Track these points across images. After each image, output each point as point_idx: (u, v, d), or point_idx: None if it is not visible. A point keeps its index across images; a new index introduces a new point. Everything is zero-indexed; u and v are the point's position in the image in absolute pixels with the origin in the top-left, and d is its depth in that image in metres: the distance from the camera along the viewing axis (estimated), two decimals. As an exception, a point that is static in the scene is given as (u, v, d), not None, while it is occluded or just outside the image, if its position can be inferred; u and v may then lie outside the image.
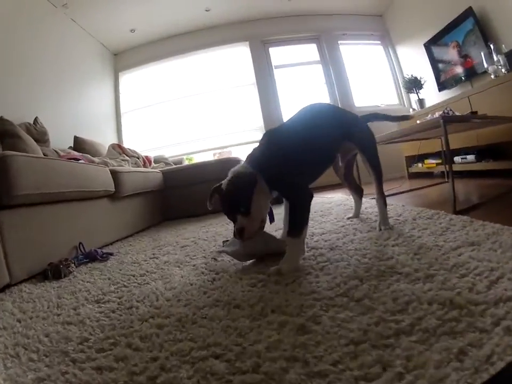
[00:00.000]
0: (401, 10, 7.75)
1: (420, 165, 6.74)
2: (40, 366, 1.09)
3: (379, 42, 8.43)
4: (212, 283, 1.62)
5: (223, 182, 1.96)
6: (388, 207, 2.34)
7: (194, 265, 2.04)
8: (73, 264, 2.57)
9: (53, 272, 2.41)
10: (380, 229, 2.18)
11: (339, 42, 8.23)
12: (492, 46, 5.09)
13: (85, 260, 2.78)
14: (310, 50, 8.34)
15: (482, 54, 5.35)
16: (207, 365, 0.93)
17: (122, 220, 3.96)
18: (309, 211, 1.89)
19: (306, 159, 2.02)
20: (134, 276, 2.06)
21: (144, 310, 1.42)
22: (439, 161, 6.04)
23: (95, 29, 7.30)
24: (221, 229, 3.35)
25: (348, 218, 2.75)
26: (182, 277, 1.84)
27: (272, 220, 2.14)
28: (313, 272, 1.53)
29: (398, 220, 2.39)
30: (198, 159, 7.55)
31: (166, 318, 1.28)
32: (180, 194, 5.44)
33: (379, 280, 1.30)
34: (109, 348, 1.14)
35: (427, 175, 6.79)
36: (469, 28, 5.72)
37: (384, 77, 8.41)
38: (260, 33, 8.13)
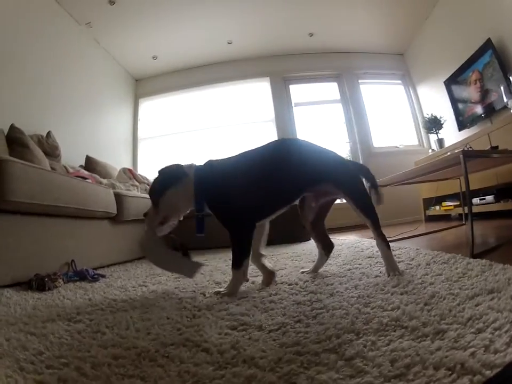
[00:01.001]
0: (421, 49, 7.77)
1: (437, 207, 6.62)
2: None
3: (400, 81, 8.47)
4: (190, 320, 1.49)
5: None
6: (393, 250, 2.21)
7: (180, 298, 1.93)
8: (61, 280, 2.56)
9: (37, 284, 2.40)
10: (389, 275, 1.96)
11: (359, 81, 8.29)
12: (511, 79, 5.01)
13: (74, 278, 2.76)
14: (330, 89, 8.41)
15: (501, 87, 5.27)
16: None
17: (122, 244, 3.93)
18: (248, 244, 1.91)
19: (255, 194, 1.97)
20: (114, 301, 1.98)
21: (109, 337, 1.32)
22: (457, 203, 5.97)
23: (118, 52, 7.50)
24: (221, 264, 3.26)
25: (303, 272, 2.37)
26: (162, 309, 1.73)
27: (199, 231, 2.04)
28: (304, 319, 1.32)
29: (410, 264, 2.20)
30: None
31: (126, 350, 1.17)
32: (184, 226, 5.28)
33: (379, 335, 1.09)
34: (58, 366, 1.07)
35: (444, 217, 6.72)
36: (487, 60, 5.68)
37: (404, 116, 8.41)
38: (281, 70, 8.26)
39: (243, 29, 7.34)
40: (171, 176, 2.04)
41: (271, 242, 4.61)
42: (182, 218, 2.24)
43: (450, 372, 0.81)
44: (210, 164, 2.13)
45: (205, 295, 1.98)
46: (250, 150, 2.16)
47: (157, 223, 2.04)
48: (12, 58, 4.74)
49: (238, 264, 1.89)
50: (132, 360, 1.09)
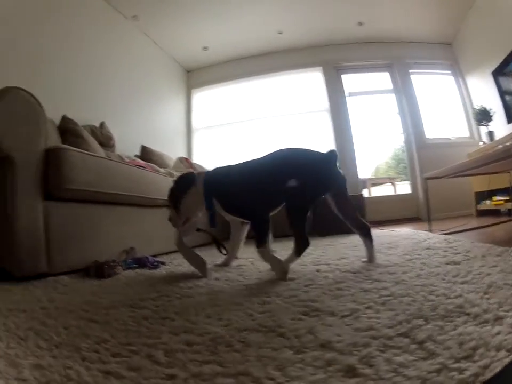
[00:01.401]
0: (467, 38, 7.46)
1: (487, 202, 6.38)
2: (45, 354, 1.01)
3: (449, 71, 8.14)
4: (260, 306, 1.43)
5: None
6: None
7: (245, 285, 1.88)
8: (120, 267, 2.50)
9: (95, 270, 2.36)
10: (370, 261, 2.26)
11: (410, 71, 8.03)
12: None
13: (134, 265, 2.71)
14: (383, 79, 8.19)
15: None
16: None
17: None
18: (266, 226, 2.17)
19: (251, 193, 2.27)
20: (179, 287, 1.92)
21: (179, 323, 1.26)
22: (507, 198, 5.74)
23: (168, 44, 7.51)
24: (286, 253, 3.09)
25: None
26: (229, 295, 1.68)
27: (212, 225, 2.42)
28: (373, 306, 1.32)
29: (467, 256, 2.19)
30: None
31: (200, 336, 1.10)
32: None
33: (445, 321, 1.10)
34: (127, 354, 0.99)
35: (494, 212, 6.47)
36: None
37: (455, 108, 8.07)
38: (333, 59, 8.06)
39: (293, 18, 7.19)
40: (186, 183, 2.41)
41: (328, 233, 4.62)
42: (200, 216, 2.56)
43: (509, 353, 0.85)
44: (215, 169, 2.53)
45: (270, 282, 1.94)
46: (252, 159, 2.51)
47: (181, 224, 2.41)
48: (63, 53, 4.85)
49: (263, 241, 2.12)
50: (207, 346, 1.02)
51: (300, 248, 2.12)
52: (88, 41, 5.40)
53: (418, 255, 2.43)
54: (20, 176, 2.26)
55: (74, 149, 2.56)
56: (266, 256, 2.11)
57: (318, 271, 2.13)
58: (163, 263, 2.85)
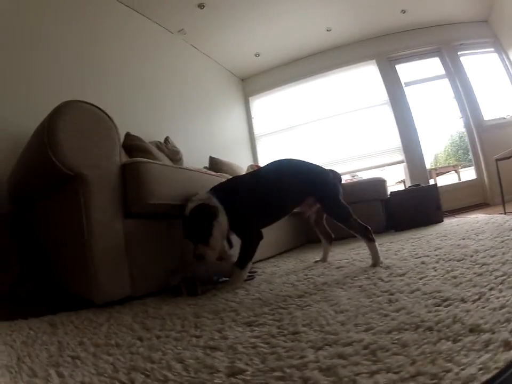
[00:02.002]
0: (503, 12, 7.12)
1: None
2: None
3: (492, 49, 7.81)
4: (389, 305, 1.33)
5: (188, 204, 2.27)
6: None
7: (360, 286, 1.76)
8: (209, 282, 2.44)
9: (187, 288, 2.21)
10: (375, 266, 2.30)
11: (459, 53, 7.78)
12: None
13: (224, 278, 2.56)
14: (434, 65, 7.98)
15: None
16: None
17: (265, 240, 3.83)
18: (255, 250, 2.32)
19: (264, 208, 2.42)
20: (290, 297, 1.77)
21: (316, 336, 1.12)
22: None
23: (219, 55, 7.59)
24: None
25: (316, 262, 2.94)
26: (349, 298, 1.55)
27: (230, 246, 2.48)
28: (494, 287, 1.33)
29: None
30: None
31: (347, 346, 0.99)
32: None
33: None
34: (275, 383, 0.84)
35: None
36: None
37: (504, 85, 7.72)
38: (384, 51, 7.92)
39: (338, 14, 7.06)
40: (209, 214, 2.23)
41: (404, 227, 4.54)
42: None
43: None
44: (221, 185, 2.54)
45: (383, 280, 1.84)
46: (255, 172, 2.77)
47: (216, 256, 2.26)
48: (114, 76, 5.03)
49: (245, 264, 2.28)
50: (363, 355, 0.91)
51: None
52: (137, 58, 5.57)
53: (508, 236, 2.46)
54: (94, 195, 2.13)
55: (154, 161, 2.48)
56: (238, 277, 2.31)
57: (423, 263, 2.07)
58: (255, 272, 2.78)
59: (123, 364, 1.10)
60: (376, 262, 2.31)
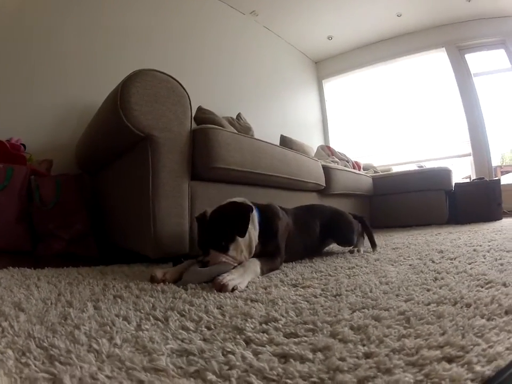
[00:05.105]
0: None
1: None
2: (194, 338, 0.89)
3: None
4: (434, 281, 1.38)
5: (207, 210, 1.86)
6: None
7: (410, 265, 1.83)
8: None
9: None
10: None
11: None
12: None
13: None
14: (501, 56, 7.52)
15: None
16: (440, 369, 0.65)
17: None
18: (278, 266, 1.95)
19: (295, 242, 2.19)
20: (341, 267, 1.88)
21: (356, 300, 1.17)
22: None
23: (292, 36, 7.58)
24: (431, 238, 3.18)
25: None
26: (398, 273, 1.61)
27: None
28: None
29: None
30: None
31: (385, 310, 1.02)
32: (386, 202, 5.43)
33: None
34: (305, 334, 0.89)
35: None
36: None
37: None
38: (453, 39, 7.58)
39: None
40: (245, 208, 1.81)
41: (471, 220, 4.61)
42: None
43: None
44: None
45: (434, 261, 1.89)
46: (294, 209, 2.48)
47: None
48: (190, 53, 5.39)
49: (267, 271, 1.83)
50: (398, 320, 0.94)
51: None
52: (212, 39, 5.79)
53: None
54: (163, 155, 2.24)
55: (224, 129, 2.58)
56: (252, 269, 1.73)
57: (475, 250, 2.14)
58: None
59: (163, 305, 1.20)
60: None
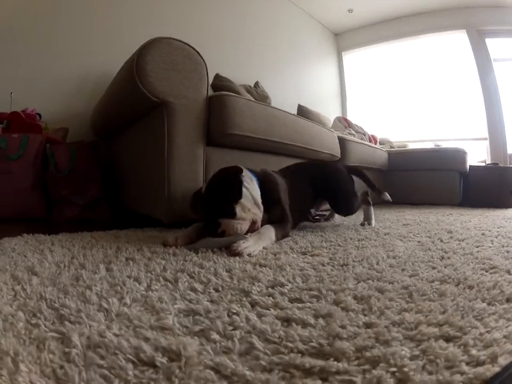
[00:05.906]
0: None
1: None
2: (201, 299, 0.93)
3: None
4: (440, 260, 1.40)
5: (201, 186, 1.90)
6: None
7: (419, 242, 1.85)
8: None
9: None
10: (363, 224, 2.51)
11: None
12: None
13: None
14: None
15: None
16: (437, 347, 0.67)
17: None
18: (288, 234, 1.97)
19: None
20: (351, 239, 1.92)
21: (362, 270, 1.21)
22: None
23: (312, 8, 7.47)
24: (442, 217, 3.18)
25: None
26: (406, 249, 1.63)
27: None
28: None
29: None
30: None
31: (389, 283, 1.05)
32: (401, 178, 5.41)
33: None
34: (309, 300, 0.92)
35: None
36: None
37: None
38: (475, 23, 7.39)
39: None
40: (234, 171, 1.83)
41: (482, 204, 4.64)
42: None
43: None
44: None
45: (442, 240, 1.91)
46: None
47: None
48: (211, 24, 5.33)
49: (280, 237, 1.85)
50: (400, 294, 0.96)
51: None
52: (230, 7, 5.72)
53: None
54: (179, 121, 2.24)
55: (240, 96, 2.59)
56: (267, 235, 1.75)
57: (483, 234, 2.14)
58: (323, 216, 2.84)
59: (173, 266, 1.25)
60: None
